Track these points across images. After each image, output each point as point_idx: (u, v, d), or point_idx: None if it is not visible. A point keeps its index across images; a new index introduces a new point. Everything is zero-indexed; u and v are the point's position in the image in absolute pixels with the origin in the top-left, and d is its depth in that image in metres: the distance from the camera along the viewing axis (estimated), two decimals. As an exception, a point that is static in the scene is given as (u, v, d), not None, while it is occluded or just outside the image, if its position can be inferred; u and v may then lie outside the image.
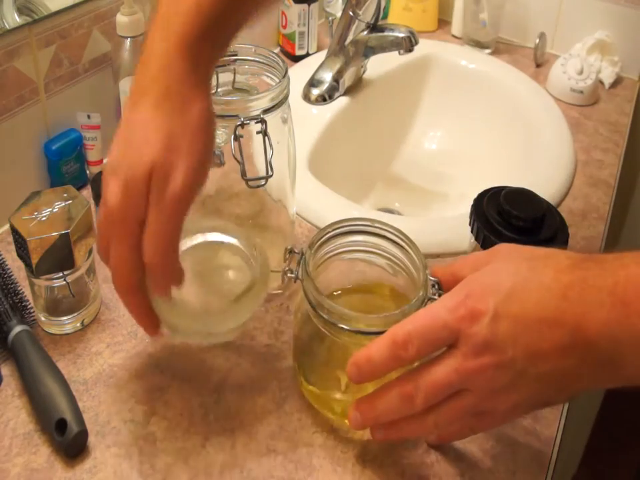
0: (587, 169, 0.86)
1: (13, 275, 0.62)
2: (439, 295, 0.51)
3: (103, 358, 0.59)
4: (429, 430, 0.47)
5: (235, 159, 0.54)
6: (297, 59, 1.03)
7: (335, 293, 0.58)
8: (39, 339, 0.58)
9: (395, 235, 0.54)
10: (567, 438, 0.60)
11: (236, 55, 0.61)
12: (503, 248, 0.47)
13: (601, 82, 1.03)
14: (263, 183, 0.55)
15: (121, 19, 0.72)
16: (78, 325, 0.61)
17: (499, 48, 1.09)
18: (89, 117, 0.75)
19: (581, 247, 0.73)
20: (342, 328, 0.49)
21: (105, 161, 0.79)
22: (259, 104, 0.55)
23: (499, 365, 0.41)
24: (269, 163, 0.54)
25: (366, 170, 0.98)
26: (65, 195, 0.57)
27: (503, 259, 0.45)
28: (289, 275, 0.52)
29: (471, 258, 0.48)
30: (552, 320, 0.40)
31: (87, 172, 0.78)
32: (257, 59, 0.61)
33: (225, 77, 0.62)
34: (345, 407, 0.53)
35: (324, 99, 0.89)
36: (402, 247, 0.54)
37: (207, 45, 0.47)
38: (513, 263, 0.43)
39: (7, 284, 0.60)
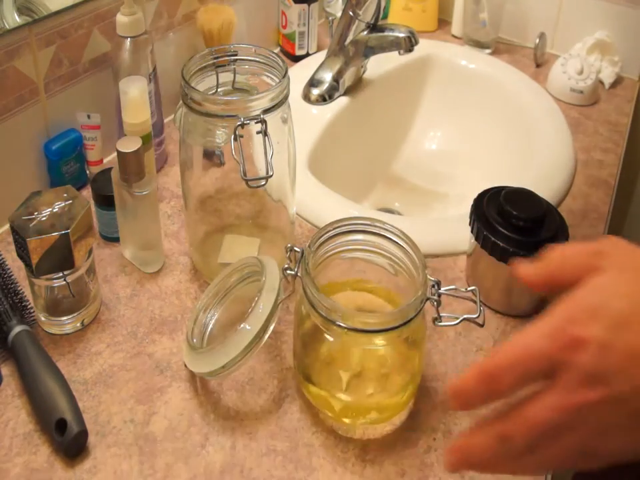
0: (586, 169, 0.86)
1: (13, 275, 0.62)
2: (439, 296, 0.51)
3: (102, 358, 0.59)
4: (529, 471, 0.40)
5: (235, 159, 0.54)
6: (297, 59, 1.03)
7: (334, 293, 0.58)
8: (39, 338, 0.58)
9: (395, 234, 0.54)
10: (567, 438, 0.59)
11: (236, 55, 0.61)
12: (612, 249, 0.39)
13: (601, 82, 1.03)
14: (263, 183, 0.55)
15: (121, 18, 0.72)
16: (78, 324, 0.61)
17: (498, 48, 1.09)
18: (88, 117, 0.75)
19: (581, 246, 0.73)
20: (340, 326, 0.49)
21: (104, 161, 0.79)
22: (258, 104, 0.55)
23: (609, 402, 0.35)
24: (268, 163, 0.54)
25: (366, 170, 0.98)
26: (65, 194, 0.57)
27: (612, 268, 0.37)
28: (288, 272, 0.52)
29: (570, 256, 0.39)
30: None
31: (87, 172, 0.78)
32: (257, 59, 0.61)
33: (224, 76, 0.62)
34: (345, 405, 0.53)
35: (324, 99, 0.89)
36: (402, 246, 0.54)
37: None
38: (625, 276, 0.36)
39: (7, 284, 0.60)
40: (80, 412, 0.52)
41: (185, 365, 0.57)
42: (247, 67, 0.62)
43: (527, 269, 0.40)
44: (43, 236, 0.54)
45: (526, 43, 1.10)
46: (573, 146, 0.87)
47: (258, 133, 0.55)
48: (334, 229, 0.54)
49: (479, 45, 1.08)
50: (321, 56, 0.93)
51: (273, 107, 0.56)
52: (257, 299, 0.52)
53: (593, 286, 0.36)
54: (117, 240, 0.70)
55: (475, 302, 0.53)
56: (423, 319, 0.53)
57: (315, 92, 0.89)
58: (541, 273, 0.40)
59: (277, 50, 1.07)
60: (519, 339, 0.37)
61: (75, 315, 0.60)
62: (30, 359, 0.55)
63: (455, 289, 0.53)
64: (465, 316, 0.52)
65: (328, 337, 0.51)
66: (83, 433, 0.51)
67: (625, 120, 0.96)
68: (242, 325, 0.51)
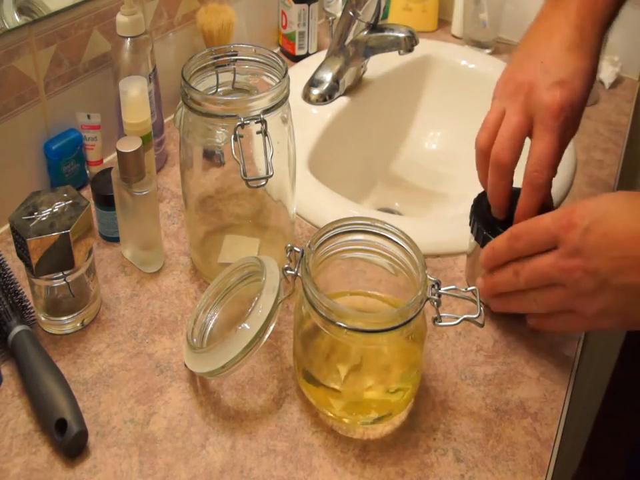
0: (586, 169, 0.86)
1: (12, 275, 0.62)
2: (439, 296, 0.51)
3: (103, 358, 0.59)
4: (529, 304, 0.56)
5: (235, 159, 0.54)
6: (297, 59, 1.03)
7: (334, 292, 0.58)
8: (39, 338, 0.58)
9: (395, 234, 0.54)
10: (566, 438, 0.60)
11: (236, 55, 0.61)
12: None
13: (601, 82, 1.03)
14: (263, 183, 0.55)
15: (121, 18, 0.72)
16: (78, 324, 0.61)
17: (498, 48, 1.09)
18: (88, 117, 0.75)
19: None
20: (340, 326, 0.49)
21: (104, 161, 0.79)
22: (258, 104, 0.55)
23: (585, 270, 0.50)
24: (268, 163, 0.54)
25: (366, 170, 0.98)
26: (65, 194, 0.57)
27: (607, 195, 0.53)
28: (288, 272, 0.52)
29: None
30: (635, 239, 0.48)
31: (87, 172, 0.78)
32: (257, 59, 0.61)
33: (224, 76, 0.62)
34: (345, 404, 0.53)
35: (324, 98, 0.89)
36: (402, 246, 0.54)
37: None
38: (616, 194, 0.52)
39: (7, 284, 0.60)
40: (80, 412, 0.52)
41: (185, 365, 0.57)
42: (246, 66, 0.62)
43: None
44: (43, 236, 0.54)
45: (526, 43, 1.10)
46: (573, 146, 0.87)
47: (258, 133, 0.55)
48: (334, 228, 0.54)
49: (479, 44, 1.08)
50: (321, 56, 0.93)
51: (273, 107, 0.56)
52: (257, 298, 0.52)
53: (595, 197, 0.52)
54: (117, 240, 0.70)
55: (475, 302, 0.53)
56: (423, 319, 0.53)
57: (315, 92, 0.89)
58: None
59: (277, 50, 1.07)
60: (539, 217, 0.54)
61: (75, 315, 0.60)
62: (30, 359, 0.55)
63: (455, 289, 0.53)
64: (465, 316, 0.52)
65: (328, 336, 0.51)
66: (83, 433, 0.51)
67: (625, 120, 0.96)
68: (242, 325, 0.51)
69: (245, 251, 0.67)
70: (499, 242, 0.57)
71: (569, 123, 0.57)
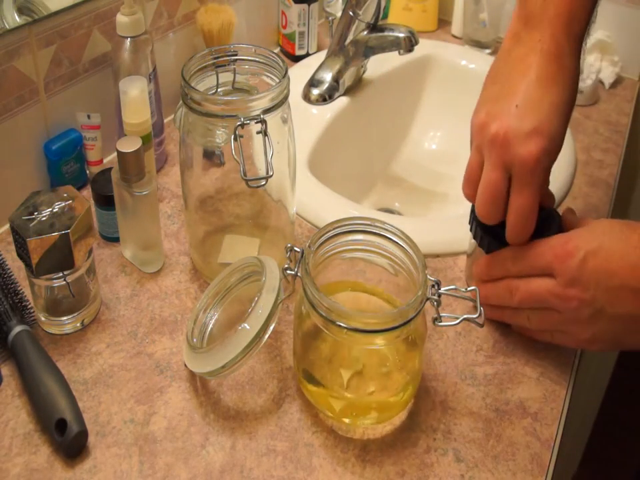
0: (587, 169, 0.86)
1: (13, 275, 0.62)
2: (439, 296, 0.51)
3: (102, 358, 0.59)
4: (521, 322, 0.59)
5: (235, 159, 0.54)
6: (297, 58, 1.03)
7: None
8: (39, 338, 0.58)
9: (395, 234, 0.54)
10: (566, 438, 0.60)
11: (236, 55, 0.61)
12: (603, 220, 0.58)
13: (601, 82, 1.03)
14: (263, 183, 0.55)
15: (121, 18, 0.72)
16: (78, 324, 0.61)
17: (498, 48, 1.09)
18: (88, 117, 0.75)
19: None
20: (340, 326, 0.49)
21: (104, 161, 0.79)
22: (258, 104, 0.55)
23: (582, 300, 0.52)
24: (268, 163, 0.54)
25: (366, 170, 0.98)
26: (65, 194, 0.57)
27: (601, 223, 0.56)
28: (288, 272, 0.52)
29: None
30: (631, 270, 0.50)
31: (87, 172, 0.78)
32: (257, 59, 0.61)
33: (224, 76, 0.62)
34: (345, 405, 0.53)
35: (324, 98, 0.89)
36: (402, 246, 0.54)
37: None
38: (611, 222, 0.55)
39: (7, 284, 0.60)
40: (80, 412, 0.52)
41: (185, 365, 0.57)
42: (246, 67, 0.62)
43: (569, 214, 0.62)
44: (43, 236, 0.54)
45: (526, 43, 1.10)
46: (573, 146, 0.87)
47: (258, 133, 0.55)
48: (334, 228, 0.54)
49: (479, 44, 1.08)
50: (321, 56, 0.93)
51: (273, 107, 0.56)
52: (257, 298, 0.52)
53: (590, 225, 0.56)
54: (117, 240, 0.70)
55: (474, 302, 0.53)
56: (423, 319, 0.53)
57: (315, 92, 0.89)
58: (574, 220, 0.60)
59: (277, 50, 1.07)
60: (538, 242, 0.55)
61: (75, 315, 0.60)
62: (30, 359, 0.55)
63: (455, 289, 0.53)
64: (465, 316, 0.52)
65: (328, 336, 0.51)
66: (83, 433, 0.51)
67: (625, 120, 0.96)
68: (242, 325, 0.51)
69: (245, 251, 0.67)
70: (494, 260, 0.59)
71: (547, 169, 0.55)
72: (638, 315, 0.51)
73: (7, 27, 0.65)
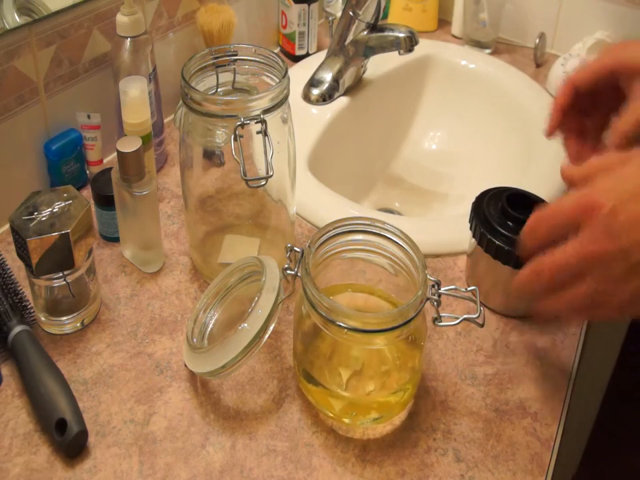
0: (586, 169, 0.86)
1: (13, 275, 0.62)
2: (439, 296, 0.51)
3: (102, 358, 0.59)
4: (553, 307, 0.50)
5: (235, 159, 0.54)
6: (297, 58, 1.03)
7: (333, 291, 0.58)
8: (39, 338, 0.58)
9: (395, 234, 0.54)
10: (566, 438, 0.60)
11: (236, 55, 0.61)
12: (637, 154, 0.48)
13: (601, 82, 1.02)
14: (263, 182, 0.55)
15: (121, 18, 0.72)
16: (78, 325, 0.61)
17: (498, 48, 1.09)
18: (89, 117, 0.75)
19: (580, 246, 0.73)
20: (340, 326, 0.49)
21: (104, 161, 0.79)
22: (258, 104, 0.55)
23: (615, 253, 0.45)
24: (268, 163, 0.54)
25: (366, 170, 0.98)
26: (65, 194, 0.57)
27: (634, 165, 0.47)
28: (288, 272, 0.52)
29: (604, 161, 0.49)
30: None
31: (87, 172, 0.78)
32: (257, 59, 0.61)
33: (224, 76, 0.62)
34: (345, 405, 0.53)
35: (324, 99, 0.89)
36: (402, 246, 0.54)
37: None
38: (631, 163, 0.47)
39: (7, 284, 0.60)
40: (80, 412, 0.52)
41: (185, 365, 0.57)
42: (247, 67, 0.62)
43: (569, 169, 0.51)
44: (43, 236, 0.54)
45: (526, 42, 1.10)
46: (573, 146, 0.87)
47: (258, 133, 0.55)
48: (334, 229, 0.54)
49: (479, 44, 1.08)
50: (321, 56, 0.93)
51: (273, 107, 0.56)
52: (257, 298, 0.52)
53: (616, 173, 0.47)
54: (117, 240, 0.70)
55: (474, 302, 0.53)
56: (423, 319, 0.53)
57: (315, 92, 0.89)
58: (580, 172, 0.50)
59: (277, 50, 1.07)
60: (556, 202, 0.48)
61: (75, 314, 0.60)
62: (30, 359, 0.55)
63: (455, 289, 0.53)
64: (465, 316, 0.52)
65: (328, 336, 0.51)
66: (83, 433, 0.51)
67: (624, 120, 0.96)
68: (242, 325, 0.51)
69: (245, 251, 0.67)
70: (525, 231, 0.51)
71: None
72: None
73: (7, 27, 0.65)
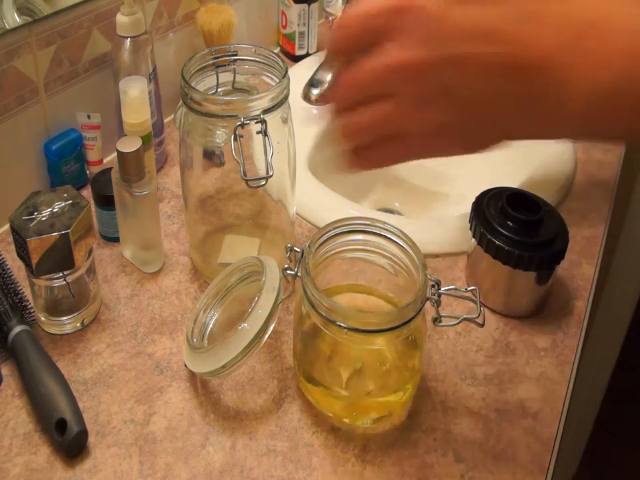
0: (586, 169, 0.86)
1: (13, 275, 0.62)
2: (439, 296, 0.51)
3: (102, 358, 0.59)
4: (351, 127, 0.41)
5: (235, 159, 0.54)
6: (297, 58, 1.03)
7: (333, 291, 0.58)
8: (38, 338, 0.58)
9: (395, 234, 0.54)
10: (566, 438, 0.60)
11: (236, 55, 0.61)
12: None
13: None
14: (263, 182, 0.55)
15: (121, 18, 0.72)
16: (78, 325, 0.61)
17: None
18: (89, 117, 0.75)
19: (581, 247, 0.73)
20: (340, 326, 0.49)
21: (104, 161, 0.79)
22: (259, 104, 0.55)
23: (432, 66, 0.36)
24: (268, 163, 0.54)
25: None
26: (65, 194, 0.57)
27: None
28: (288, 272, 0.52)
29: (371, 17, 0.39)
30: (493, 32, 0.35)
31: (87, 172, 0.78)
32: (257, 59, 0.61)
33: (225, 76, 0.62)
34: (345, 405, 0.53)
35: (324, 98, 0.89)
36: (402, 246, 0.54)
37: None
38: None
39: (7, 284, 0.60)
40: (80, 412, 0.52)
41: (185, 365, 0.57)
42: (247, 67, 0.62)
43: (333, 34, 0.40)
44: (43, 236, 0.54)
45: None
46: (573, 146, 0.87)
47: (258, 133, 0.55)
48: (334, 229, 0.54)
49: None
50: (321, 56, 0.92)
51: (273, 107, 0.56)
52: (257, 298, 0.52)
53: None
54: (117, 240, 0.70)
55: (474, 302, 0.53)
56: (423, 319, 0.53)
57: (315, 92, 0.89)
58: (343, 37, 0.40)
59: (277, 50, 1.07)
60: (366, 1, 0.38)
61: (75, 314, 0.60)
62: (30, 359, 0.55)
63: (455, 289, 0.53)
64: (465, 316, 0.52)
65: (328, 336, 0.51)
66: (83, 433, 0.51)
67: (624, 120, 0.96)
68: (242, 325, 0.51)
69: (245, 251, 0.67)
70: (334, 32, 0.41)
71: None
72: (495, 95, 0.36)
73: (7, 27, 0.65)
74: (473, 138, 0.40)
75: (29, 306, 0.61)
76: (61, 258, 0.56)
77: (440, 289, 0.52)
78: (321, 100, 0.41)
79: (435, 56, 0.36)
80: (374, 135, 0.41)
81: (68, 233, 0.55)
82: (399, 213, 0.95)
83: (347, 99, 0.40)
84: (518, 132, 0.39)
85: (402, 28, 0.37)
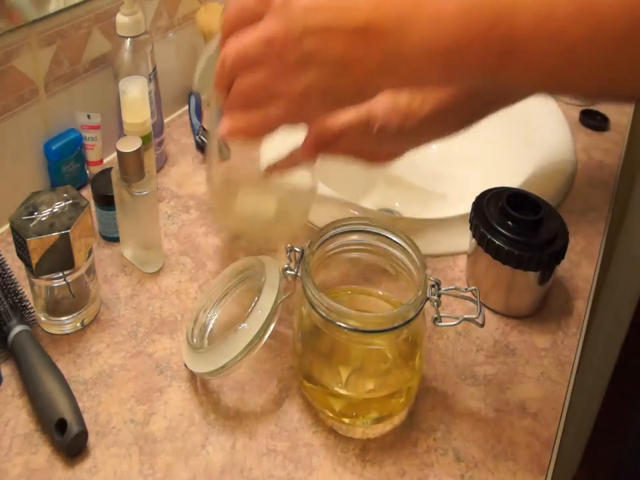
0: (587, 169, 0.86)
1: (13, 275, 0.62)
2: (439, 296, 0.51)
3: (102, 358, 0.59)
4: (233, 96, 0.48)
5: None
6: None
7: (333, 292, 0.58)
8: (38, 338, 0.58)
9: (395, 234, 0.54)
10: (566, 438, 0.60)
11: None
12: None
13: (601, 82, 1.02)
14: None
15: (121, 18, 0.72)
16: (78, 325, 0.61)
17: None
18: (89, 117, 0.75)
19: (581, 247, 0.73)
20: (340, 326, 0.49)
21: (104, 161, 0.79)
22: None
23: (287, 38, 0.43)
24: None
25: (366, 170, 0.98)
26: (65, 195, 0.57)
27: None
28: (288, 272, 0.52)
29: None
30: (344, 2, 0.42)
31: (87, 172, 0.78)
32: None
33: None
34: (345, 404, 0.53)
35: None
36: (402, 246, 0.54)
37: None
38: None
39: (7, 284, 0.60)
40: (80, 412, 0.52)
41: (185, 365, 0.57)
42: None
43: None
44: (43, 236, 0.54)
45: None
46: (573, 146, 0.87)
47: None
48: (334, 229, 0.54)
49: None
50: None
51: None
52: (257, 298, 0.52)
53: None
54: (117, 240, 0.70)
55: (475, 302, 0.53)
56: (423, 319, 0.53)
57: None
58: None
59: (276, 50, 1.07)
60: None
61: (75, 314, 0.60)
62: (30, 359, 0.55)
63: (455, 289, 0.53)
64: (465, 316, 0.52)
65: (328, 336, 0.51)
66: (83, 433, 0.51)
67: (624, 120, 0.96)
68: (242, 325, 0.51)
69: (262, 204, 0.65)
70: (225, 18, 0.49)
71: None
72: (347, 59, 0.43)
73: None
74: (338, 97, 0.46)
75: (29, 306, 0.61)
76: (60, 258, 0.56)
77: (440, 289, 0.52)
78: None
79: (296, 27, 0.43)
80: (252, 102, 0.47)
81: (68, 233, 0.55)
82: (399, 213, 0.95)
83: (230, 69, 0.46)
84: (382, 85, 0.45)
85: (270, 9, 0.44)
